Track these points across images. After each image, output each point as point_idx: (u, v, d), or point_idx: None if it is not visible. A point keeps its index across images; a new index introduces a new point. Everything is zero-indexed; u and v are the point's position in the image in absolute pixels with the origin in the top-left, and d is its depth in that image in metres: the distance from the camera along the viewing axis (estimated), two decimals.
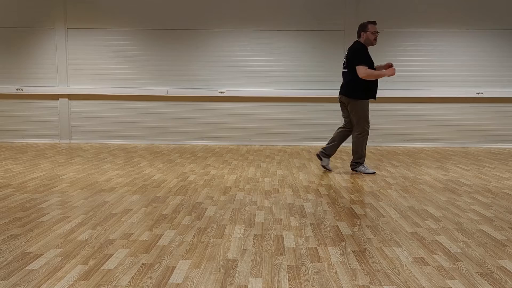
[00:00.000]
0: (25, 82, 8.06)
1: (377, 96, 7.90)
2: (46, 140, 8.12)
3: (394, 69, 5.00)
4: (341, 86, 5.29)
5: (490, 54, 7.81)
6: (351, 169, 5.37)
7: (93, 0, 7.90)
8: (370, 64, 5.08)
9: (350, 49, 5.16)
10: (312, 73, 7.96)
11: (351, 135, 5.35)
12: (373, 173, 5.24)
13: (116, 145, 7.71)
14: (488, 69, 7.83)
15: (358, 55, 5.03)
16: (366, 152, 5.81)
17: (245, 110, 8.05)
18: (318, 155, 5.40)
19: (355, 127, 5.22)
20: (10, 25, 7.96)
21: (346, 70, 5.19)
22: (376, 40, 5.14)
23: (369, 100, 5.21)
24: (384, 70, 5.08)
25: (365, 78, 5.00)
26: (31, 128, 8.15)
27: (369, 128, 5.27)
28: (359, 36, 5.17)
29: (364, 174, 5.23)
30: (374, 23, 5.14)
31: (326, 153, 5.37)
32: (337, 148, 5.40)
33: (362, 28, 5.14)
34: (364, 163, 5.39)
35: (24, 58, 8.02)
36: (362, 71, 4.98)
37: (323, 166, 5.40)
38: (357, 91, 5.09)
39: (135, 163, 5.83)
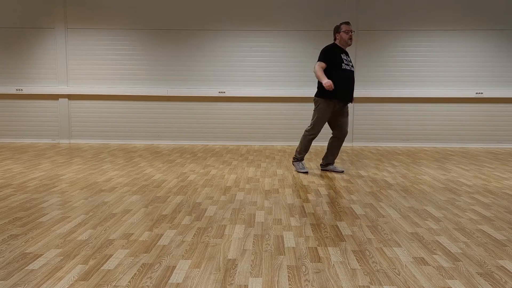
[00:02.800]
0: (25, 82, 8.06)
1: (376, 96, 7.95)
2: (46, 140, 8.12)
3: (330, 85, 4.84)
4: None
5: (490, 54, 7.81)
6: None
7: (93, 0, 7.90)
8: (332, 64, 5.01)
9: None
10: (312, 73, 7.94)
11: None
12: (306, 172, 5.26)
13: (116, 145, 7.71)
14: (488, 69, 7.84)
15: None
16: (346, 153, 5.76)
17: (245, 110, 8.05)
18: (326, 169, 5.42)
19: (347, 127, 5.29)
20: (10, 25, 7.96)
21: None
22: (351, 39, 5.09)
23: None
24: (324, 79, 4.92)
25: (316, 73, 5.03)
26: (31, 128, 8.16)
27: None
28: (334, 38, 5.18)
29: (365, 175, 5.23)
30: (347, 23, 5.11)
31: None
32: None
33: (336, 29, 5.14)
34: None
35: (24, 58, 8.02)
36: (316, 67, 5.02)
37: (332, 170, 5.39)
38: None
39: (135, 163, 5.83)
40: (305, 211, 3.58)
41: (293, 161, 5.43)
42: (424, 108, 7.94)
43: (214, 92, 7.96)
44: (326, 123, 5.21)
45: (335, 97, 5.00)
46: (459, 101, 7.90)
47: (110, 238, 2.89)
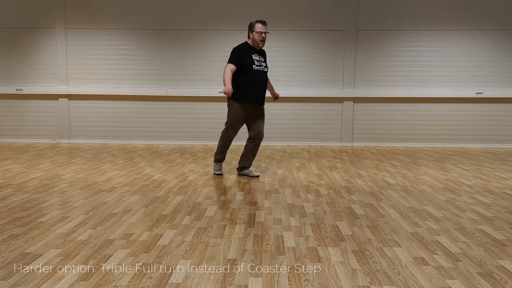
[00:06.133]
0: (25, 82, 8.06)
1: (376, 95, 7.94)
2: (46, 140, 8.12)
3: (229, 91, 4.59)
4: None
5: (490, 54, 7.81)
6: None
7: (93, 0, 7.90)
8: (242, 65, 4.73)
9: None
10: (312, 73, 7.95)
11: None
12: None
13: (116, 145, 7.71)
14: (488, 69, 7.83)
15: (231, 53, 4.77)
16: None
17: None
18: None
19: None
20: (10, 25, 7.96)
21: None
22: (263, 42, 4.83)
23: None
24: (227, 85, 4.64)
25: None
26: (31, 128, 8.15)
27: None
28: (248, 36, 4.91)
29: (365, 175, 5.23)
30: (263, 23, 4.81)
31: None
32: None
33: (250, 27, 4.86)
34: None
35: (24, 58, 8.02)
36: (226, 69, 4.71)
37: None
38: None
39: (135, 163, 5.83)
40: (305, 211, 3.58)
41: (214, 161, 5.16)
42: (424, 108, 7.93)
43: (214, 92, 7.95)
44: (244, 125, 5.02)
45: (248, 100, 4.79)
46: (459, 101, 7.89)
47: (110, 238, 2.89)
